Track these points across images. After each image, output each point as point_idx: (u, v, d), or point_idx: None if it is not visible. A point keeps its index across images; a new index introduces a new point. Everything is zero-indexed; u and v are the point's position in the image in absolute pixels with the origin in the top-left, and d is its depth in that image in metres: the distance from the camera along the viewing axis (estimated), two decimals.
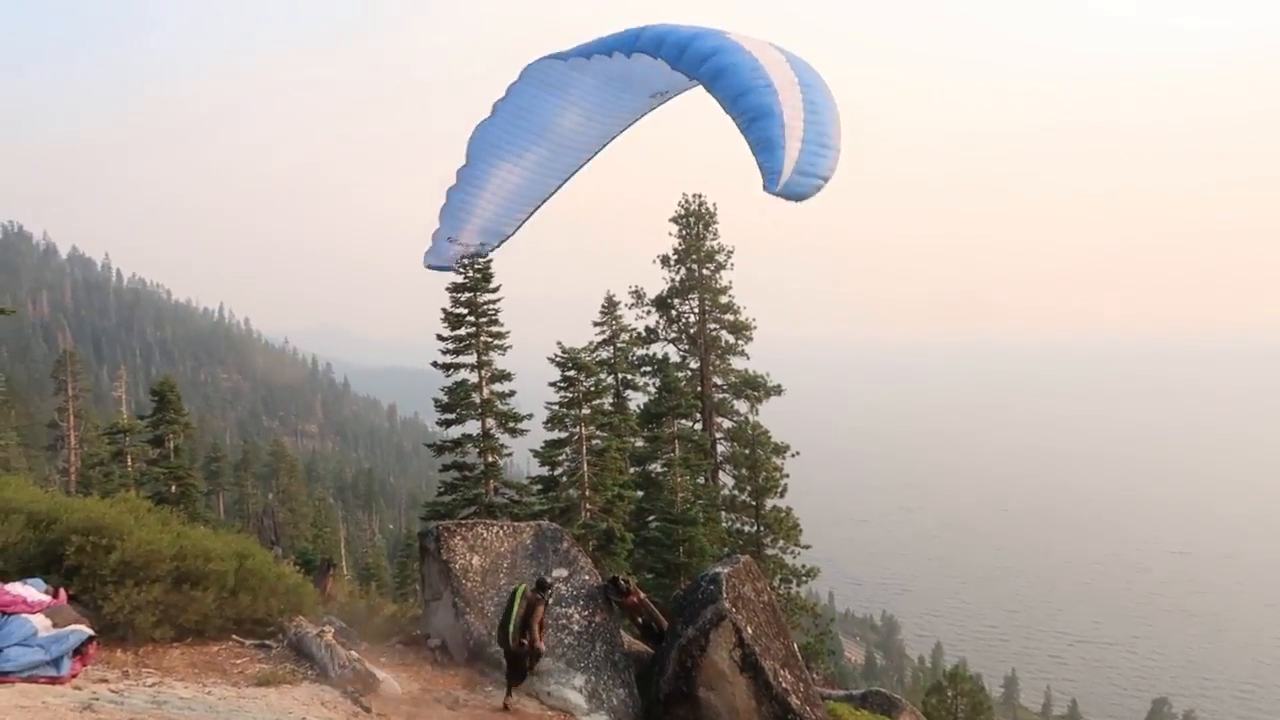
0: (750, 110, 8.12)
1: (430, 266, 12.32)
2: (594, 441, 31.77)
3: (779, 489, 37.39)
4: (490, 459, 31.65)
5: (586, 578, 14.10)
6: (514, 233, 11.41)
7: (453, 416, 31.82)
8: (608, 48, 9.35)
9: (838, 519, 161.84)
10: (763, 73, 8.11)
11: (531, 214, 11.04)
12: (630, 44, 9.06)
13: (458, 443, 31.94)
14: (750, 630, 12.33)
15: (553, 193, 10.64)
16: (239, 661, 11.51)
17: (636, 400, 39.34)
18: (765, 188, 8.21)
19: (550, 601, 12.53)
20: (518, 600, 11.94)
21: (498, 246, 11.54)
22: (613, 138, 10.48)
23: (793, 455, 38.02)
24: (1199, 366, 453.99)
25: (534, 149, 10.28)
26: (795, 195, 8.13)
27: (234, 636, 12.20)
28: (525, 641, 11.79)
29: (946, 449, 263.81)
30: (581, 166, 10.53)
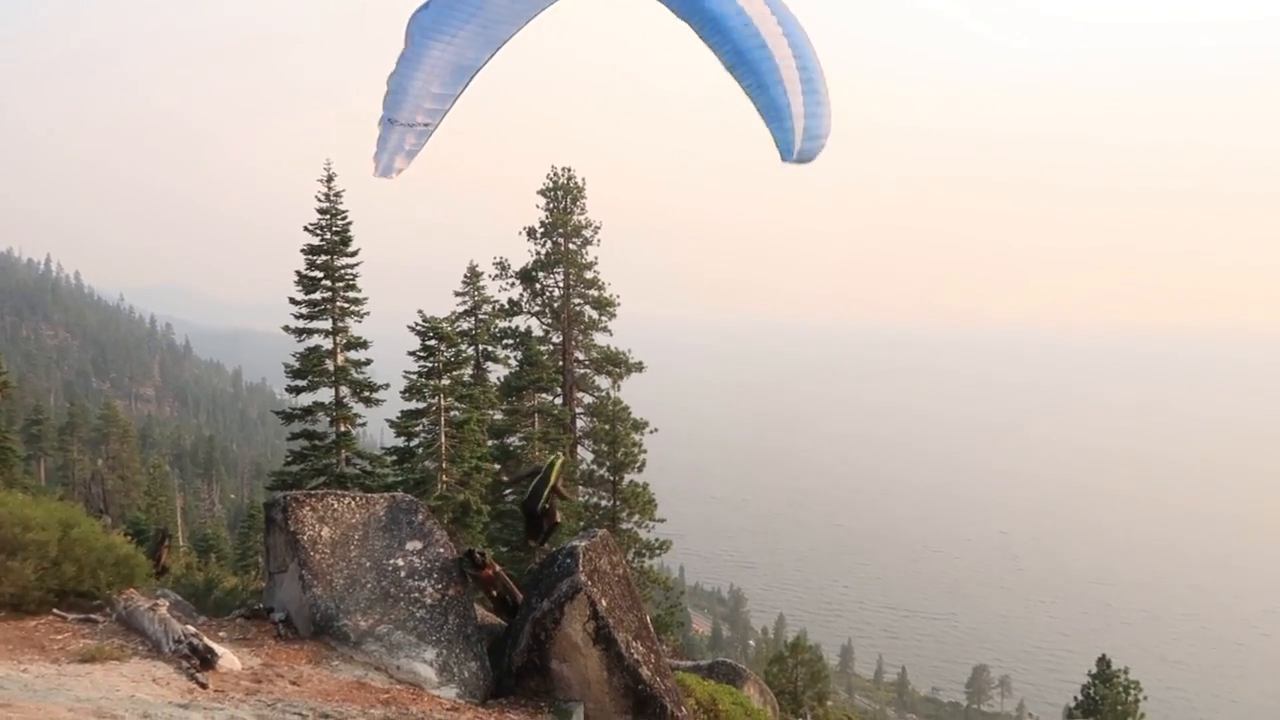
0: (753, 76, 8.12)
1: (380, 174, 11.61)
2: (453, 413, 31.27)
3: (637, 464, 37.84)
4: (343, 428, 30.74)
5: (441, 550, 13.89)
6: (450, 107, 11.08)
7: (304, 383, 30.73)
8: None
9: (690, 496, 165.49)
10: (755, 29, 8.07)
11: (464, 87, 10.67)
12: None
13: (308, 410, 30.87)
14: (605, 603, 12.46)
15: (484, 64, 10.60)
16: (60, 637, 10.76)
17: (497, 373, 38.95)
18: (782, 158, 8.34)
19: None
20: (555, 470, 13.25)
21: (436, 125, 11.09)
22: (543, 8, 10.39)
23: (651, 432, 38.53)
24: (993, 361, 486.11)
25: (467, 26, 10.14)
26: (806, 160, 8.34)
27: (55, 610, 11.39)
28: (548, 507, 13.26)
29: (786, 433, 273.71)
30: (510, 38, 10.51)
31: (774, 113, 8.08)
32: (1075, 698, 39.65)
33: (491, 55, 10.68)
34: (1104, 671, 38.84)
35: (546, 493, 13.34)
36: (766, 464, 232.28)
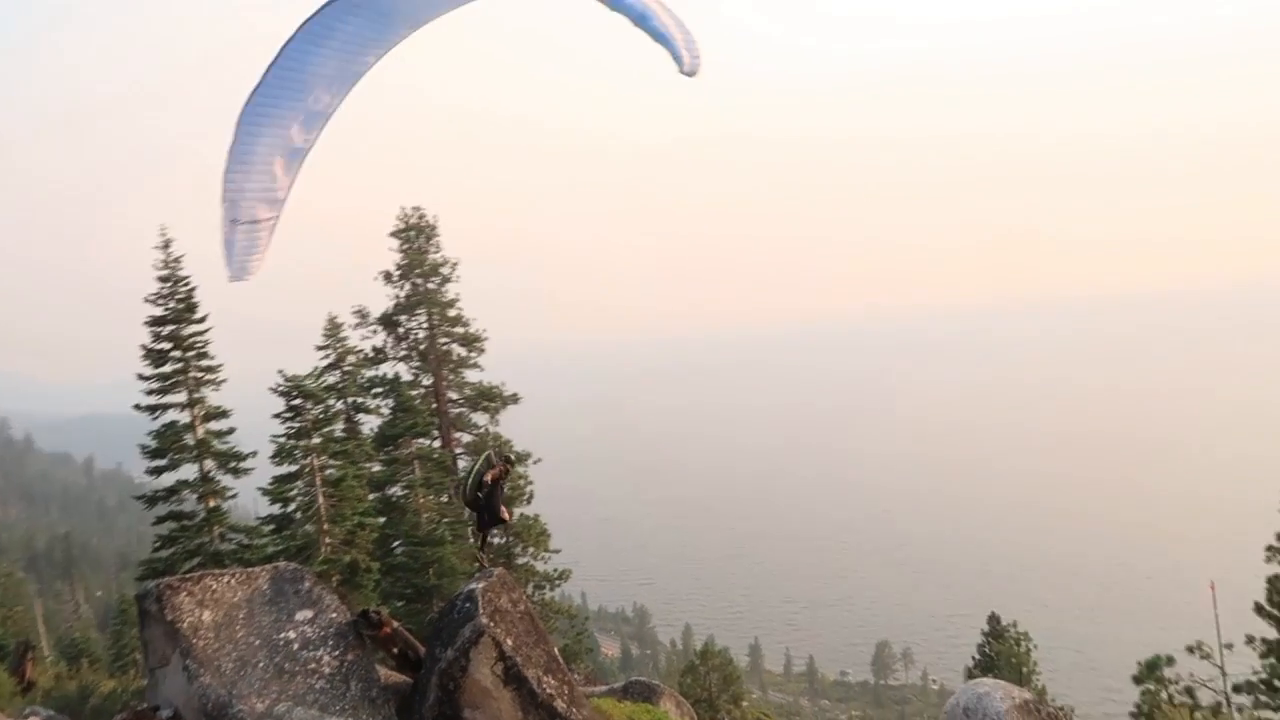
0: (632, 10, 9.90)
1: (235, 279, 11.13)
2: (328, 471, 30.21)
3: (526, 497, 37.51)
4: (212, 504, 29.27)
5: (334, 616, 13.41)
6: (286, 198, 10.86)
7: (164, 463, 29.14)
8: None
9: (581, 521, 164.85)
10: None
11: (300, 167, 10.72)
12: None
13: (172, 490, 29.27)
14: (510, 642, 12.30)
15: (315, 140, 10.74)
16: None
17: (370, 423, 37.88)
18: (679, 70, 10.14)
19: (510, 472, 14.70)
20: (481, 462, 14.09)
21: (279, 214, 10.90)
22: (361, 76, 10.80)
23: (535, 462, 38.27)
24: (830, 352, 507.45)
25: (295, 106, 10.26)
26: (694, 72, 10.16)
27: None
28: (480, 495, 13.90)
29: (657, 445, 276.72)
30: (338, 107, 10.80)
31: (661, 38, 9.87)
32: (973, 657, 41.42)
33: (323, 127, 10.81)
34: (995, 628, 40.75)
35: (471, 481, 14.14)
36: (648, 479, 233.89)
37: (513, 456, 15.15)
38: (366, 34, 10.45)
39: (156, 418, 29.38)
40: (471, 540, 15.32)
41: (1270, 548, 27.21)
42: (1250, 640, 27.50)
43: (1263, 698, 26.88)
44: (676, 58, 10.10)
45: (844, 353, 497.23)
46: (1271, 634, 27.06)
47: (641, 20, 10.03)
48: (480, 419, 40.14)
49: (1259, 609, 27.39)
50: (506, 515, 14.57)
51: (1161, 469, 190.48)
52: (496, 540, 37.37)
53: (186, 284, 29.55)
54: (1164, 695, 27.50)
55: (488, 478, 14.20)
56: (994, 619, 41.37)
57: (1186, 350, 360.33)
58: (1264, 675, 27.00)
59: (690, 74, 10.25)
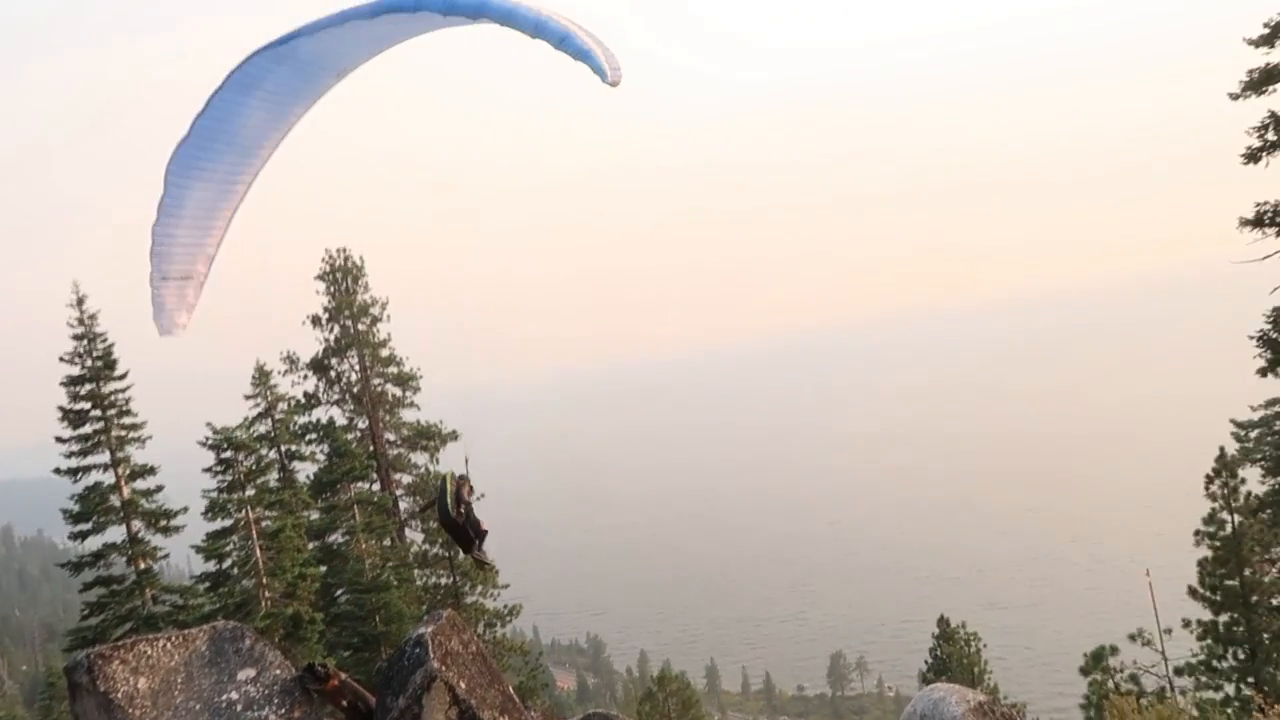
0: (554, 34, 9.99)
1: (165, 333, 11.01)
2: (264, 523, 29.37)
3: None
4: (142, 565, 28.26)
5: (278, 673, 12.97)
6: (216, 252, 10.87)
7: (89, 526, 28.07)
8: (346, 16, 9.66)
9: (529, 554, 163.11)
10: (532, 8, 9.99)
11: (227, 227, 10.72)
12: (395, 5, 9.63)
13: (99, 555, 28.19)
14: (464, 685, 12.03)
15: (246, 192, 10.70)
16: None
17: (306, 471, 36.98)
18: (603, 81, 10.11)
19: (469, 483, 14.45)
20: (449, 480, 13.76)
21: (209, 270, 10.89)
22: (291, 126, 10.78)
23: (479, 498, 37.67)
24: (765, 370, 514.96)
25: (225, 156, 10.19)
26: (617, 82, 10.24)
27: None
28: (463, 510, 13.69)
29: (598, 473, 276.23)
30: (263, 165, 10.73)
31: (583, 55, 9.95)
32: (926, 661, 41.87)
33: (253, 180, 10.74)
34: (945, 631, 41.25)
35: (450, 502, 13.83)
36: (594, 506, 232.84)
37: (467, 474, 14.46)
38: (294, 83, 10.45)
39: (78, 480, 28.34)
40: (462, 556, 15.32)
41: (1198, 532, 28.13)
42: (1187, 624, 28.36)
43: (1203, 679, 27.71)
44: (599, 70, 10.17)
45: (778, 368, 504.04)
46: (1207, 616, 27.94)
47: (563, 42, 10.08)
48: (420, 459, 39.55)
49: (1192, 592, 28.27)
50: (484, 526, 14.38)
51: (1092, 461, 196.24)
52: (445, 581, 36.81)
53: (104, 340, 28.64)
54: (1110, 685, 28.17)
55: (464, 492, 14.01)
56: (944, 621, 41.89)
57: (1100, 345, 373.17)
58: (1202, 657, 27.84)
59: (614, 84, 10.37)
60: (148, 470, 29.09)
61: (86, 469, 28.43)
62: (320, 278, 39.09)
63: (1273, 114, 24.84)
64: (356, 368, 39.09)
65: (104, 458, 28.45)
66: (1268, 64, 24.99)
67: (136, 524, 28.41)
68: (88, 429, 28.35)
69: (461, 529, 14.13)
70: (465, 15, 10.09)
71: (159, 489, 29.52)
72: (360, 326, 39.18)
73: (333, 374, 38.99)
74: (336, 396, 39.12)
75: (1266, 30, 24.88)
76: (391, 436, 39.53)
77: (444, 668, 12.00)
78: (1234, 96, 25.65)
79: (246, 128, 10.26)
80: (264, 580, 28.41)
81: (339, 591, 32.28)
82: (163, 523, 28.67)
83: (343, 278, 39.10)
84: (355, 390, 39.00)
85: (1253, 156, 25.37)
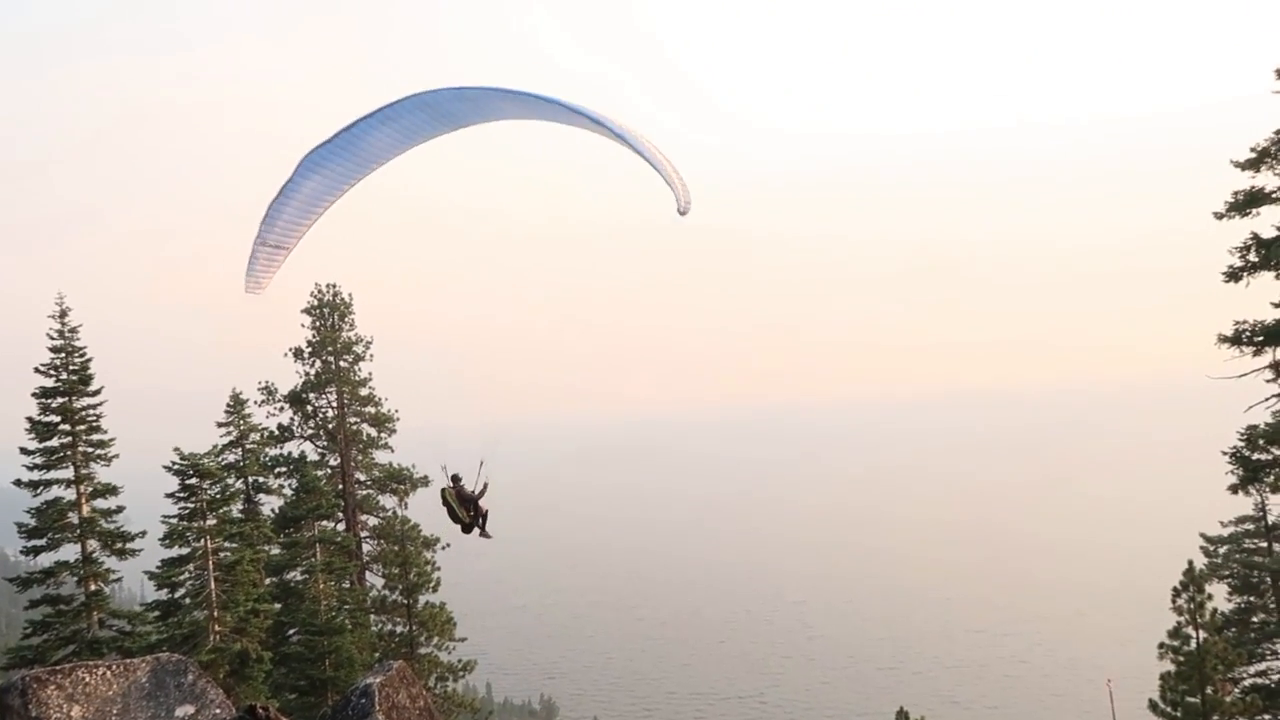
0: (651, 159, 12.31)
1: (250, 290, 13.35)
2: (222, 554, 28.80)
3: (432, 584, 36.38)
4: (93, 587, 27.61)
5: (218, 712, 12.64)
6: (304, 234, 13.16)
7: (43, 542, 27.49)
8: (490, 93, 12.24)
9: (490, 609, 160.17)
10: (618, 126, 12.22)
11: (318, 217, 13.03)
12: (519, 95, 12.20)
13: (50, 572, 27.54)
14: None
15: (338, 197, 12.99)
16: None
17: (271, 504, 36.46)
18: (680, 211, 12.67)
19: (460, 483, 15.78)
20: (450, 498, 15.44)
21: (291, 248, 13.25)
22: (391, 159, 13.00)
23: (444, 548, 37.25)
24: (736, 439, 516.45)
25: (345, 163, 12.46)
26: (687, 211, 12.71)
27: None
28: (473, 513, 15.47)
29: (582, 530, 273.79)
30: (364, 178, 13.03)
31: (671, 184, 12.50)
32: None
33: (353, 186, 12.84)
34: None
35: (461, 512, 15.65)
36: (562, 564, 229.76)
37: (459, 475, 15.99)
38: (424, 126, 12.43)
39: (39, 494, 27.82)
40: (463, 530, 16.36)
41: (1162, 645, 27.97)
42: None
43: None
44: (677, 197, 12.51)
45: (749, 440, 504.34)
46: None
47: (647, 156, 12.26)
48: (388, 501, 39.08)
49: (1153, 706, 27.99)
50: (485, 508, 16.07)
51: (1065, 562, 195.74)
52: (400, 629, 36.12)
53: (82, 355, 28.40)
54: None
55: (465, 492, 15.69)
56: (903, 715, 41.24)
57: (1079, 445, 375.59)
58: None
59: (683, 213, 12.73)
60: (110, 490, 28.61)
61: (48, 483, 27.95)
62: (307, 311, 39.06)
63: (1255, 236, 25.41)
64: (334, 404, 38.86)
65: (68, 473, 28.00)
66: (1253, 187, 25.64)
67: (92, 544, 27.82)
68: (55, 442, 27.94)
69: (470, 524, 15.97)
70: (587, 121, 12.07)
71: (119, 510, 29.00)
72: (343, 363, 39.05)
73: (309, 408, 38.72)
74: (311, 431, 38.79)
75: (1253, 155, 25.58)
76: (362, 476, 39.12)
77: None
78: (1218, 216, 26.26)
79: (372, 148, 12.33)
80: (215, 613, 27.76)
81: (291, 631, 31.53)
82: (119, 545, 28.09)
83: (330, 313, 39.09)
84: (330, 427, 38.69)
85: (1234, 275, 25.87)
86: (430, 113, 12.30)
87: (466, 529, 15.92)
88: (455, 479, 15.72)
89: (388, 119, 12.18)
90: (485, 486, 15.73)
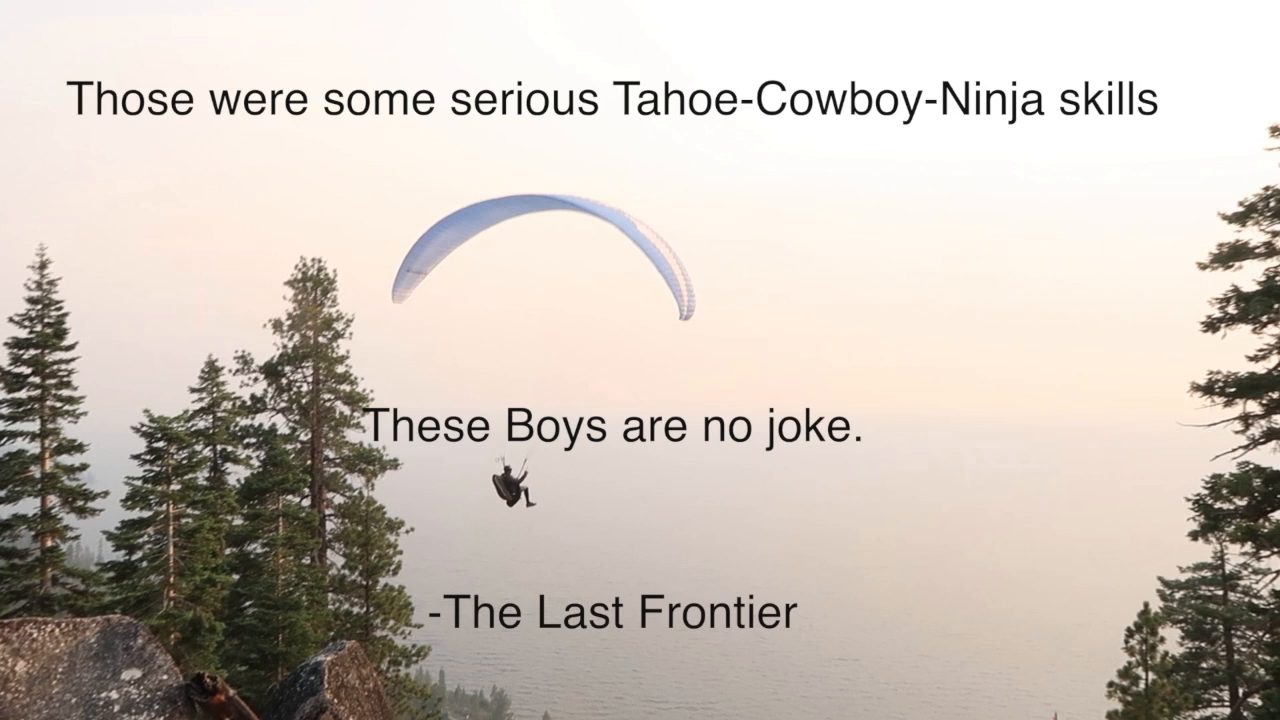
0: (665, 268, 16.13)
1: (397, 300, 18.09)
2: (184, 521, 28.54)
3: (392, 567, 36.20)
4: (50, 543, 27.32)
5: (164, 678, 12.51)
6: (436, 264, 18.20)
7: (2, 494, 27.10)
8: (568, 204, 16.63)
9: (451, 595, 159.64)
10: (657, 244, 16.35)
11: (449, 252, 18.02)
12: (582, 205, 16.51)
13: (6, 525, 27.21)
14: None
15: (461, 243, 17.95)
16: None
17: (238, 474, 36.14)
18: (681, 316, 16.42)
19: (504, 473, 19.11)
20: (497, 483, 18.85)
21: (426, 275, 18.09)
22: (501, 222, 17.95)
23: (407, 532, 37.09)
24: (701, 447, 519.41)
25: (468, 226, 17.54)
26: (689, 317, 16.46)
27: None
28: (514, 494, 18.97)
29: (549, 524, 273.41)
30: (478, 233, 18.00)
31: (670, 281, 15.94)
32: None
33: (471, 237, 17.79)
34: None
35: (510, 495, 19.00)
36: (526, 558, 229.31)
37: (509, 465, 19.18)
38: (518, 207, 17.43)
39: (1, 444, 27.49)
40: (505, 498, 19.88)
41: (1112, 684, 28.27)
42: None
43: None
44: (678, 301, 15.68)
45: (725, 449, 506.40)
46: None
47: (657, 263, 15.55)
48: (356, 481, 38.83)
49: None
50: (524, 484, 19.27)
51: (1029, 595, 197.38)
52: (357, 610, 35.96)
53: (59, 308, 28.09)
54: None
55: (513, 479, 18.90)
56: None
57: (1050, 482, 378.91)
58: None
59: (685, 319, 16.21)
60: (75, 446, 28.32)
61: (13, 434, 27.64)
62: (290, 283, 38.77)
63: (1235, 289, 25.74)
64: (309, 379, 38.58)
65: (34, 426, 27.70)
66: (1237, 240, 25.99)
67: (53, 499, 27.55)
68: (23, 394, 27.63)
69: (522, 497, 19.29)
70: (618, 227, 16.00)
71: (84, 467, 28.70)
72: (321, 339, 38.78)
73: (284, 381, 38.42)
74: (284, 405, 38.49)
75: (1240, 209, 25.93)
76: (331, 454, 38.86)
77: (336, 700, 11.64)
78: (1202, 266, 26.60)
79: (487, 215, 17.42)
80: (172, 579, 27.51)
81: (247, 603, 31.30)
82: (80, 503, 27.83)
83: (313, 287, 38.81)
84: (304, 402, 38.42)
85: (1211, 326, 26.21)
86: (528, 203, 17.23)
87: (510, 503, 19.35)
88: (507, 469, 19.24)
89: (499, 203, 17.14)
90: (526, 474, 19.23)
